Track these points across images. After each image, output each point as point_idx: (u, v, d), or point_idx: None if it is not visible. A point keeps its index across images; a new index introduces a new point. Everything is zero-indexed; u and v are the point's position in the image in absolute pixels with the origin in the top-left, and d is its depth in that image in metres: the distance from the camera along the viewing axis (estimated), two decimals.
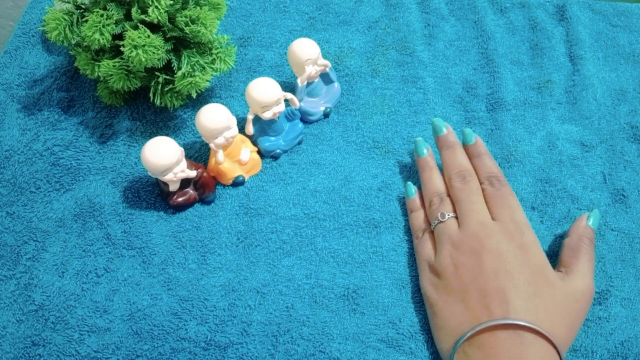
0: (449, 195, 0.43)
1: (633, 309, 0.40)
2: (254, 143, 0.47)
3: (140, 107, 0.50)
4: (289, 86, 0.51)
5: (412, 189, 0.45)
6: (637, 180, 0.46)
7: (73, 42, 0.43)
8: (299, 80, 0.46)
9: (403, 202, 0.45)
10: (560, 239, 0.43)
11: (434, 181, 0.44)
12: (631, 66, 0.52)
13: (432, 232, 0.42)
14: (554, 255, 0.43)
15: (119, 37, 0.42)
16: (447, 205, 0.42)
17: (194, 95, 0.44)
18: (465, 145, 0.45)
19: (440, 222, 0.41)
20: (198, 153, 0.48)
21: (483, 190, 0.42)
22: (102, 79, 0.47)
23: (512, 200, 0.41)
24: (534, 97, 0.51)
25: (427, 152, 0.45)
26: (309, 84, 0.48)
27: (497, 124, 0.49)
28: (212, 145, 0.43)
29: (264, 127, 0.46)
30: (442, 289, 0.39)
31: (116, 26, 0.41)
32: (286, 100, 0.46)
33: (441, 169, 0.45)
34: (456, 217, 0.41)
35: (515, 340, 0.35)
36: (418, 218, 0.43)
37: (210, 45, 0.45)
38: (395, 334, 0.40)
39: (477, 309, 0.37)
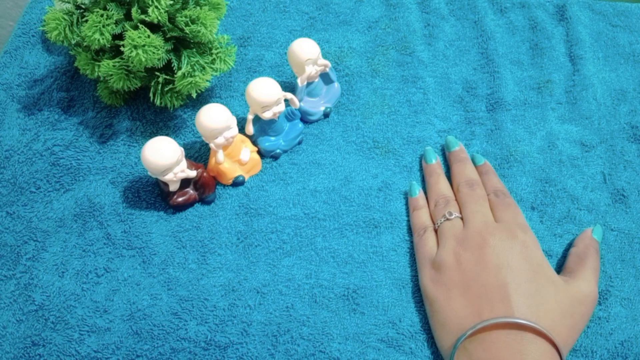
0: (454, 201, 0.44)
1: (633, 309, 0.40)
2: (254, 143, 0.47)
3: (140, 107, 0.50)
4: (289, 86, 0.51)
5: (416, 188, 0.45)
6: (637, 180, 0.46)
7: (73, 42, 0.43)
8: (299, 80, 0.46)
9: (403, 202, 0.45)
10: (560, 239, 0.43)
11: (441, 185, 0.45)
12: (631, 66, 0.52)
13: (434, 231, 0.43)
14: (554, 256, 0.43)
15: (119, 37, 0.42)
16: (453, 206, 0.43)
17: (194, 95, 0.44)
18: (474, 165, 0.46)
19: (447, 219, 0.42)
20: (198, 153, 0.48)
21: (488, 200, 0.43)
22: (102, 79, 0.47)
23: (515, 208, 0.42)
24: (534, 97, 0.51)
25: (435, 161, 0.46)
26: (309, 84, 0.48)
27: (497, 124, 0.49)
28: (212, 145, 0.43)
29: (264, 127, 0.46)
30: (443, 285, 0.39)
31: (116, 26, 0.41)
32: (286, 100, 0.46)
33: (449, 180, 0.46)
34: (461, 219, 0.42)
35: (516, 337, 0.35)
36: (420, 216, 0.44)
37: (210, 45, 0.45)
38: (395, 334, 0.40)
39: (478, 305, 0.37)
